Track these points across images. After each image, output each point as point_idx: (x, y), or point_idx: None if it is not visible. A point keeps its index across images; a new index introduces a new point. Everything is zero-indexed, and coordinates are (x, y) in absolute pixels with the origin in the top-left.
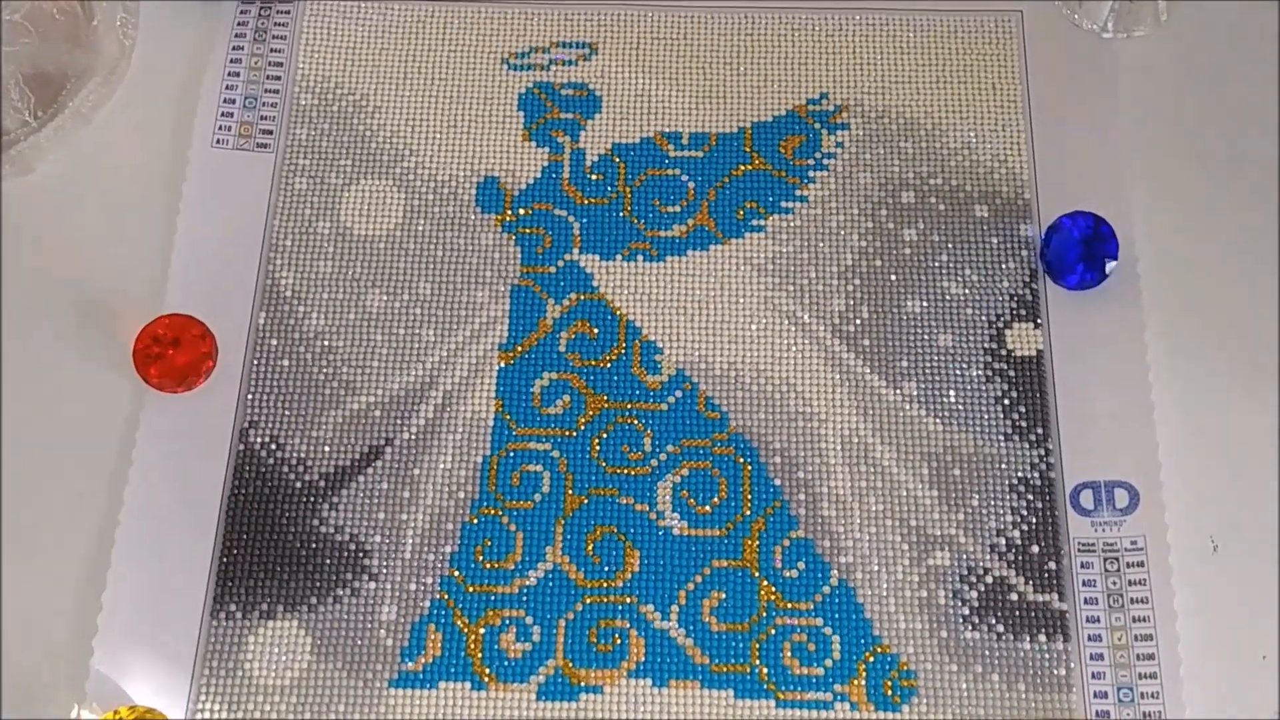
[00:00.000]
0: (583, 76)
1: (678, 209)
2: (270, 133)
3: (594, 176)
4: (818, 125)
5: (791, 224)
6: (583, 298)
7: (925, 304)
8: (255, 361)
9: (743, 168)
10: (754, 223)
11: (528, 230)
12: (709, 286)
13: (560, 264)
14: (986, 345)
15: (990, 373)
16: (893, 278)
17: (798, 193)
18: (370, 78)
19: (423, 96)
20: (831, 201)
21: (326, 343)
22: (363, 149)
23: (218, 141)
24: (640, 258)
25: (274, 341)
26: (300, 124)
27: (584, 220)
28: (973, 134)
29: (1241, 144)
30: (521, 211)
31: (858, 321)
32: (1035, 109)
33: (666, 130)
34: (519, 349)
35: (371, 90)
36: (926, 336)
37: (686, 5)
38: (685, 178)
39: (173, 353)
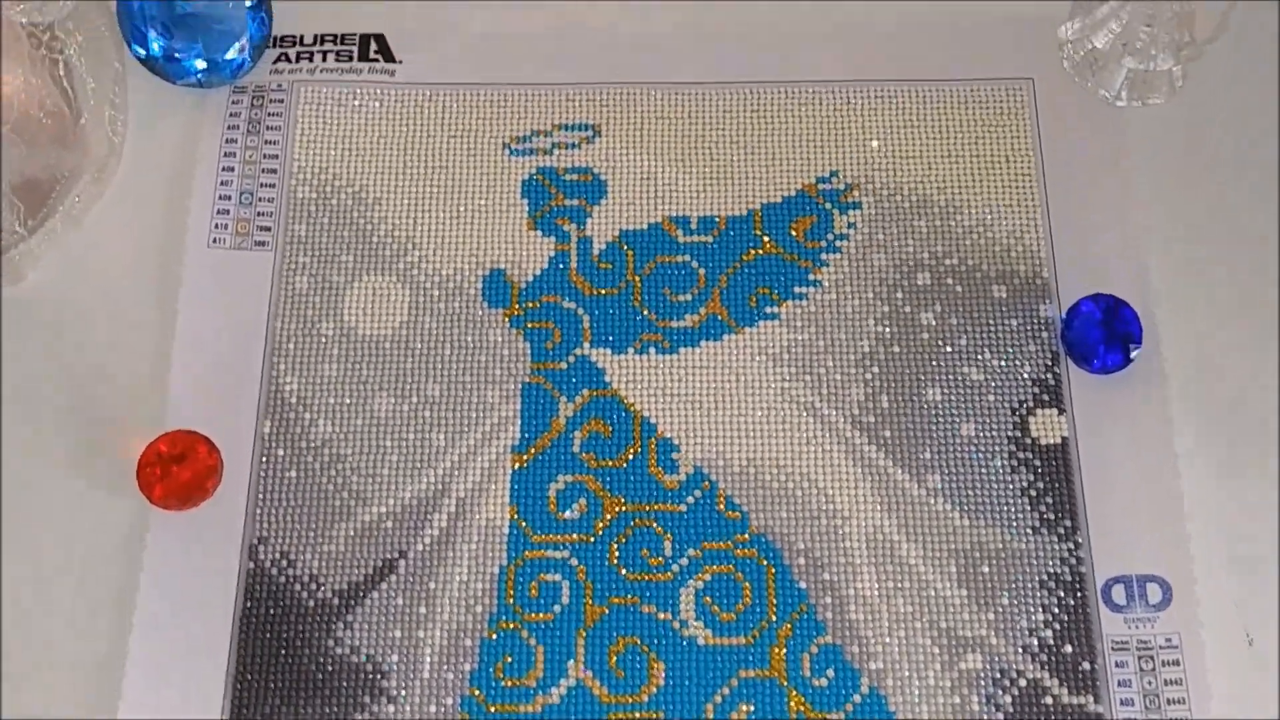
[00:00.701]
0: (587, 160)
1: (689, 297)
2: (268, 229)
3: (602, 265)
4: (829, 205)
5: (806, 310)
6: (595, 394)
7: (946, 391)
8: (262, 474)
9: (754, 252)
10: (767, 310)
11: (536, 324)
12: (724, 378)
13: (571, 359)
14: (1010, 433)
15: (1015, 462)
16: (912, 364)
17: (811, 277)
18: (369, 168)
19: (423, 186)
20: (846, 285)
21: (335, 450)
22: (364, 244)
23: (214, 241)
24: (653, 350)
25: (280, 451)
26: (299, 219)
27: (594, 312)
28: (987, 210)
29: (1265, 216)
30: (529, 305)
31: (878, 412)
32: (1050, 182)
33: (674, 214)
34: (532, 451)
35: (370, 181)
36: (948, 426)
37: (690, 83)
38: (695, 264)
39: (177, 469)
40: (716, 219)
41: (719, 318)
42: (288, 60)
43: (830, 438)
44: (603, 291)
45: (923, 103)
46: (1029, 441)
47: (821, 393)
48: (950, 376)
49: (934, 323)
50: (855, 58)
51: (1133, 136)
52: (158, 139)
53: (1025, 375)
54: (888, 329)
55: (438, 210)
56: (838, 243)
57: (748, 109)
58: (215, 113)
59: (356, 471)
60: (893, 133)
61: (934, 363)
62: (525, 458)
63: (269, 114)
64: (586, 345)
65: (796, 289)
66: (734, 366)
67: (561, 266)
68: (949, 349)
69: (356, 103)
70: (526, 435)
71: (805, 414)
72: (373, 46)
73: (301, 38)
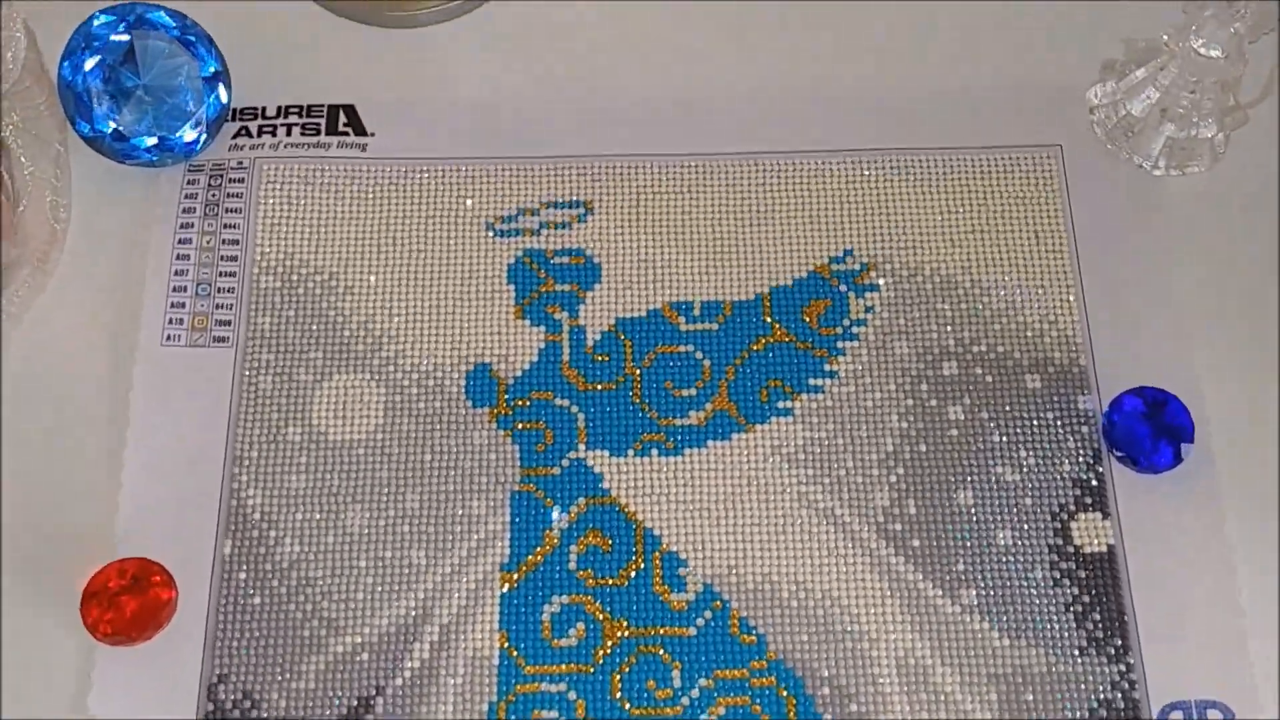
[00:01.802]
0: (579, 241)
1: (693, 392)
2: (228, 324)
3: (597, 358)
4: (844, 287)
5: (822, 404)
6: (592, 502)
7: (978, 494)
8: (222, 601)
9: (763, 340)
10: (780, 405)
11: (526, 425)
12: (734, 483)
13: (565, 463)
14: (1051, 541)
15: (1058, 574)
16: (940, 464)
17: (827, 367)
18: (339, 253)
19: (399, 272)
20: (865, 376)
21: (303, 573)
22: (335, 338)
23: (169, 338)
24: (655, 451)
25: (242, 575)
26: (262, 311)
27: (589, 410)
28: (1018, 291)
29: None
30: (518, 403)
31: (905, 518)
32: (1084, 258)
33: (675, 300)
34: (523, 568)
35: (341, 268)
36: (983, 533)
37: (690, 155)
38: (700, 354)
39: (125, 599)
40: (722, 304)
41: (727, 414)
42: (248, 135)
43: (853, 548)
44: (599, 386)
45: (943, 173)
46: (1072, 550)
47: (842, 497)
48: (983, 478)
49: (963, 417)
50: (868, 126)
51: (1172, 208)
52: (105, 225)
53: (1065, 475)
54: (912, 425)
55: (415, 299)
56: (855, 329)
57: (753, 183)
58: (169, 194)
59: (328, 596)
60: (911, 207)
61: (964, 462)
62: (515, 577)
63: (228, 194)
64: (582, 447)
65: (811, 381)
66: (745, 469)
67: (552, 359)
68: (980, 447)
69: (325, 180)
70: (516, 551)
71: (825, 522)
72: (342, 118)
73: (264, 110)
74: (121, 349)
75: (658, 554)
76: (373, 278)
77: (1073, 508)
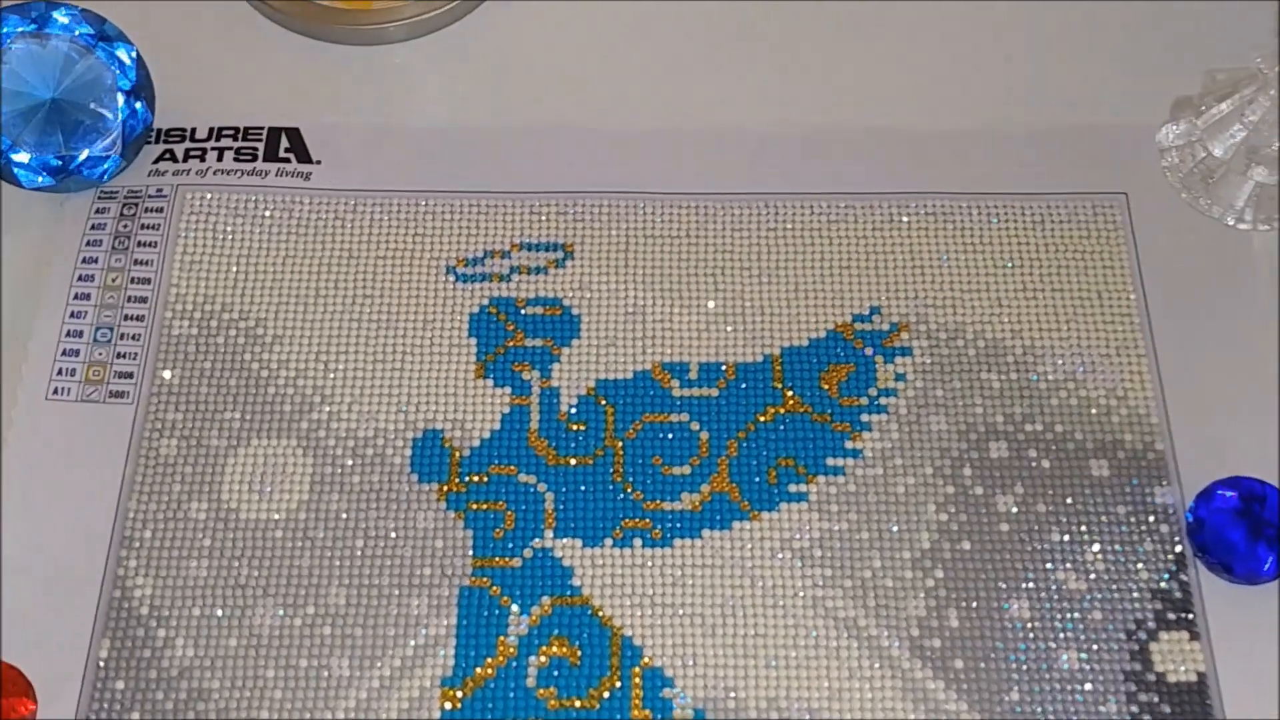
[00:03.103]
0: (555, 289)
1: (687, 470)
2: (129, 376)
3: (572, 426)
4: (870, 351)
5: (844, 490)
6: (560, 603)
7: (1035, 606)
8: (92, 717)
9: (772, 410)
10: (792, 488)
11: (482, 505)
12: (735, 583)
13: (527, 554)
14: (1126, 666)
15: (1136, 708)
16: (988, 567)
17: (849, 445)
18: (269, 297)
19: (340, 322)
20: (896, 457)
21: (196, 684)
22: (257, 397)
23: (56, 391)
24: (638, 542)
25: (120, 684)
26: (172, 363)
27: (560, 489)
28: (1078, 361)
29: None
30: (473, 479)
31: (944, 633)
32: (1156, 325)
33: (668, 360)
34: (470, 684)
35: (270, 314)
36: (1041, 655)
37: (688, 194)
38: (696, 425)
39: None
40: (723, 366)
41: (728, 498)
42: (173, 159)
43: (881, 669)
44: (572, 461)
45: (989, 222)
46: (1153, 678)
47: (867, 605)
48: (1040, 585)
49: (1015, 510)
50: (902, 166)
51: (1261, 266)
52: None
53: (1142, 584)
54: (954, 517)
55: (357, 353)
56: (883, 400)
57: (763, 227)
58: (73, 224)
59: (225, 715)
60: (952, 260)
61: (1017, 565)
62: (460, 694)
63: (142, 225)
64: (549, 535)
65: (830, 460)
66: (748, 566)
67: (518, 427)
68: (1037, 547)
69: (258, 213)
70: (463, 662)
71: (846, 635)
72: (284, 143)
73: (193, 131)
74: None
75: (638, 670)
76: (307, 328)
77: (1153, 625)
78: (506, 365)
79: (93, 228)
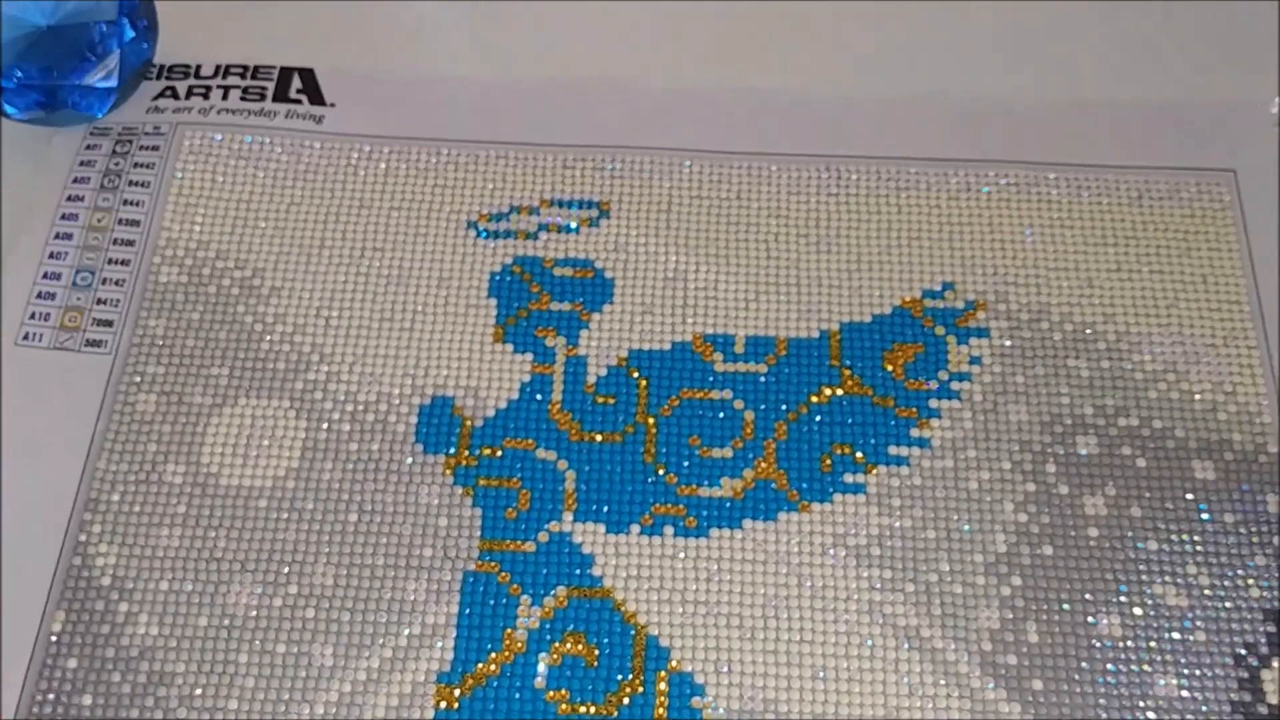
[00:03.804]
0: (587, 249)
1: (728, 452)
2: (109, 324)
3: (600, 399)
4: (942, 330)
5: (908, 482)
6: (577, 594)
7: (1127, 623)
8: (39, 697)
9: (828, 391)
10: (848, 478)
11: (494, 482)
12: (779, 583)
13: (543, 537)
14: (1233, 696)
15: None
16: (1073, 577)
17: (915, 432)
18: (268, 245)
19: (346, 275)
20: (969, 449)
21: (158, 666)
22: (248, 352)
23: (27, 336)
24: (669, 530)
25: (72, 663)
26: (157, 312)
27: (583, 467)
28: (1180, 350)
29: None
30: (485, 452)
31: (1020, 649)
32: (1269, 313)
33: (711, 331)
34: (470, 681)
35: (269, 264)
36: (1133, 680)
37: (741, 153)
38: (740, 404)
39: None
40: (774, 340)
41: (773, 486)
42: (174, 96)
43: (946, 686)
44: (598, 437)
45: (1081, 196)
46: (1264, 711)
47: (932, 614)
48: (1134, 599)
49: (1105, 513)
50: (987, 133)
51: None
52: None
53: (1252, 603)
54: (1034, 519)
55: (363, 310)
56: (955, 385)
57: (823, 191)
58: (60, 158)
59: (188, 702)
60: (1038, 235)
61: (1107, 576)
62: (458, 693)
63: (135, 164)
64: (568, 517)
65: (893, 450)
66: (794, 563)
67: (539, 398)
68: (1130, 556)
69: (263, 156)
70: (464, 657)
71: (906, 646)
72: (296, 83)
73: (198, 68)
74: None
75: (664, 674)
76: (310, 279)
77: (1265, 650)
78: (529, 330)
79: (81, 164)
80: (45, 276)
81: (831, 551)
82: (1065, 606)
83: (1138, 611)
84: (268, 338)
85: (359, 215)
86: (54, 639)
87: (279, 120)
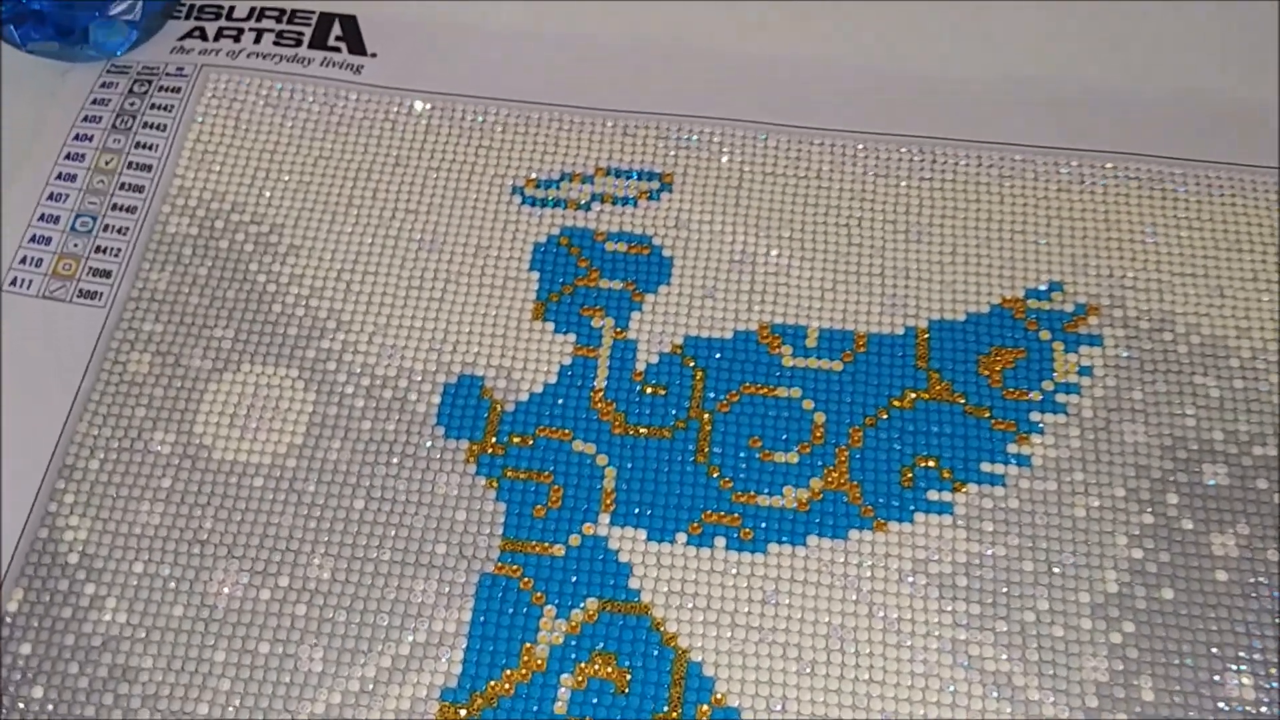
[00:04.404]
0: (645, 225)
1: (793, 458)
2: (106, 275)
3: (649, 389)
4: (1047, 335)
5: (1003, 505)
6: (609, 609)
7: (1261, 683)
8: None
9: (912, 395)
10: (933, 496)
11: (522, 474)
12: (846, 610)
13: (574, 541)
14: None
15: None
16: (1198, 625)
17: (1014, 449)
18: (291, 201)
19: (372, 236)
20: (1076, 471)
21: (122, 659)
22: (257, 314)
23: (15, 282)
24: (721, 542)
25: (26, 648)
26: (160, 264)
27: (624, 465)
28: None
29: None
30: (515, 441)
31: (1133, 709)
32: None
33: (780, 322)
34: (479, 701)
35: (289, 220)
36: None
37: (824, 130)
38: (810, 404)
39: None
40: (852, 335)
41: (845, 499)
42: (201, 37)
43: None
44: (644, 432)
45: (1210, 194)
46: None
47: (1027, 659)
48: (1270, 657)
49: (1236, 554)
50: (1098, 120)
51: None
52: None
53: None
54: (1151, 556)
55: (389, 275)
56: (1061, 397)
57: (916, 175)
58: (72, 95)
59: (153, 703)
60: (1162, 235)
61: (1238, 628)
62: (465, 714)
63: (153, 105)
64: (604, 520)
65: (986, 467)
66: (865, 590)
67: (580, 384)
68: (1265, 606)
69: (294, 104)
70: (474, 671)
71: (996, 695)
72: (336, 30)
73: (230, 10)
74: None
75: (706, 709)
76: (333, 238)
77: None
78: (573, 308)
79: (94, 102)
80: (41, 219)
81: (910, 579)
82: (1188, 661)
83: (1273, 671)
84: (281, 300)
85: (393, 174)
86: (8, 620)
87: (314, 68)
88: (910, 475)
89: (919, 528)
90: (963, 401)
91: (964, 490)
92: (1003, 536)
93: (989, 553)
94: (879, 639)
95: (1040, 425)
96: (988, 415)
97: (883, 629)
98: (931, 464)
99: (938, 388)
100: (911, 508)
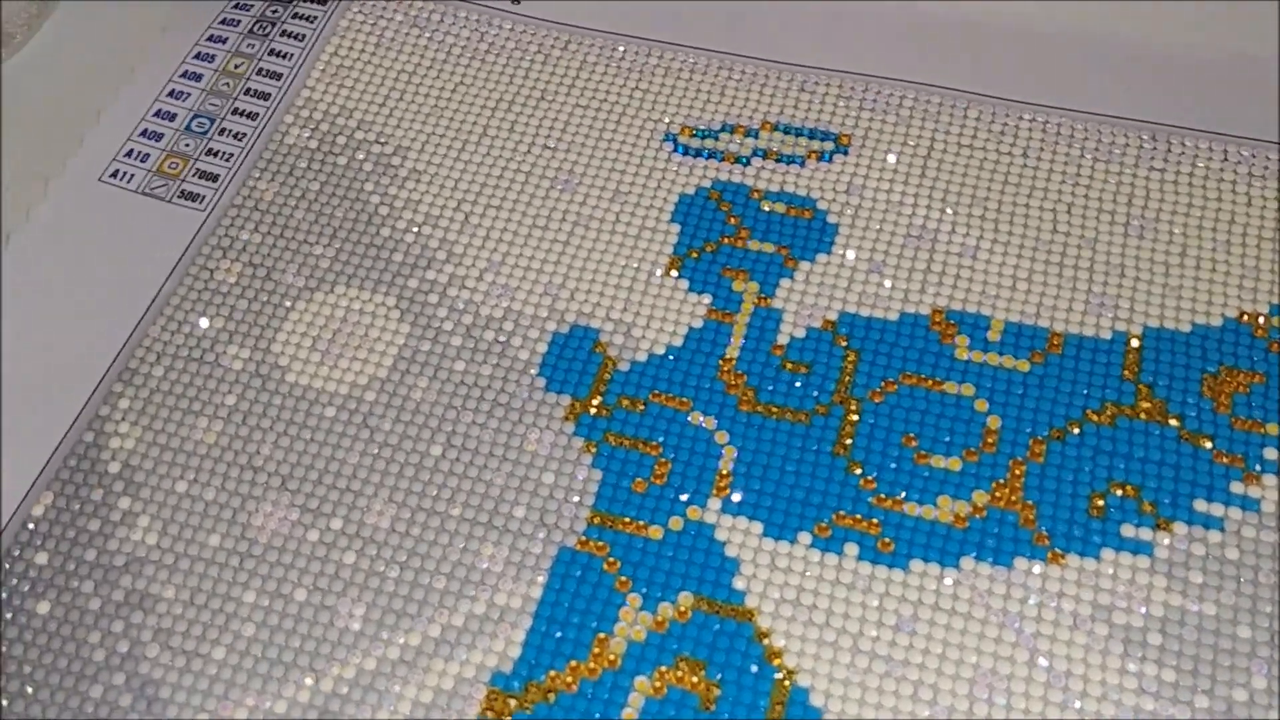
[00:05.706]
0: (812, 186)
1: (956, 464)
2: (213, 179)
3: (790, 366)
4: None
5: (1219, 553)
6: (705, 608)
7: None
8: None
9: (1114, 410)
10: (1128, 531)
11: (625, 441)
12: (1000, 653)
13: (675, 524)
14: None
15: None
16: None
17: (1238, 488)
18: (420, 124)
19: (501, 169)
20: None
21: (144, 585)
22: (363, 236)
23: (114, 174)
24: (853, 550)
25: (43, 557)
26: (271, 175)
27: (748, 445)
28: None
29: None
30: (624, 404)
31: None
32: None
33: (958, 308)
34: (534, 693)
35: (415, 143)
36: None
37: (1035, 105)
38: (984, 405)
39: None
40: (1046, 333)
41: (1015, 520)
42: None
43: None
44: (776, 412)
45: None
46: None
47: None
48: None
49: None
50: None
51: None
52: (101, 12)
53: None
54: None
55: (512, 211)
56: None
57: (1143, 164)
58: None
59: (165, 638)
60: None
61: None
62: (515, 705)
63: (296, 14)
64: (715, 505)
65: (1201, 506)
66: (1028, 631)
67: (710, 352)
68: None
69: (440, 27)
70: (533, 658)
71: None
72: None
73: None
74: (30, 177)
75: None
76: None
77: None
78: (714, 267)
79: (236, 6)
80: (156, 114)
81: (1091, 628)
82: None
83: None
84: (392, 224)
85: (536, 107)
86: (30, 525)
87: None
88: (1101, 503)
89: (1106, 566)
90: (1179, 425)
91: (1169, 529)
92: (1214, 591)
93: (1195, 609)
94: (1039, 694)
95: (1275, 465)
96: (1209, 445)
97: (1045, 683)
98: (1130, 493)
99: (1148, 405)
100: (1099, 541)
